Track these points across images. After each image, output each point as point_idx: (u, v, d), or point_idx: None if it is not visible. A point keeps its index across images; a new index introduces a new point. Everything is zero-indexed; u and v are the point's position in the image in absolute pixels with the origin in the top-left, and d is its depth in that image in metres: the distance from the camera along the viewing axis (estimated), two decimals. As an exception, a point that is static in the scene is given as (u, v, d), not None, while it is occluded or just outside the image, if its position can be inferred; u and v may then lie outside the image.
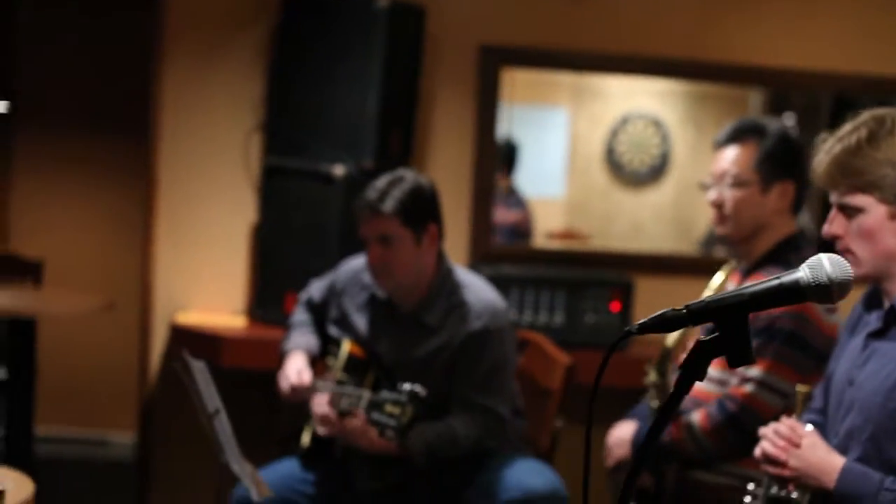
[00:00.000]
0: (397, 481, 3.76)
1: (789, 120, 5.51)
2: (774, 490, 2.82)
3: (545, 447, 3.98)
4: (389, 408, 3.47)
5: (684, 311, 1.84)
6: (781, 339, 3.35)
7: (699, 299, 1.88)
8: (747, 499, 2.89)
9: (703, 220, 6.59)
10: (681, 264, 5.61)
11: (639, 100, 7.06)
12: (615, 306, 4.98)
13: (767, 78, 5.61)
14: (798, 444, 2.69)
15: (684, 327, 1.88)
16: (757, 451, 2.78)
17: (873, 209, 2.69)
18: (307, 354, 3.86)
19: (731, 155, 3.56)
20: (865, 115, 2.74)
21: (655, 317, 1.85)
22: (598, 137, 7.10)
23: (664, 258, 5.77)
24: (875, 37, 5.52)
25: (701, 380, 1.86)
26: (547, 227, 6.87)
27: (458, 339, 3.69)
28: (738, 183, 3.53)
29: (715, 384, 3.50)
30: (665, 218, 7.17)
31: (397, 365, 3.75)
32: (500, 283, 4.25)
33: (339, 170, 4.75)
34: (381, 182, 3.68)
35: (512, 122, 6.38)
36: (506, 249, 5.66)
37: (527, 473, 3.69)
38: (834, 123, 2.84)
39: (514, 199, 6.62)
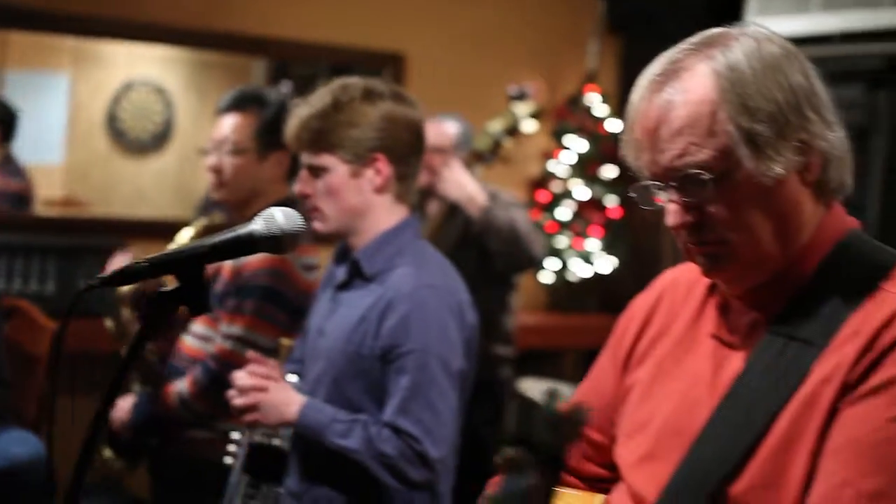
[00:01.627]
0: None
1: (286, 88, 5.63)
2: (258, 437, 2.89)
3: (33, 415, 3.92)
4: None
5: (146, 263, 1.84)
6: (259, 295, 3.43)
7: (162, 252, 1.88)
8: (231, 447, 2.96)
9: (205, 186, 6.61)
10: (178, 230, 5.58)
11: (142, 66, 6.96)
12: (110, 273, 4.89)
13: (270, 48, 5.70)
14: (276, 379, 2.80)
15: (146, 279, 1.88)
16: (231, 392, 2.85)
17: (337, 168, 2.86)
18: None
19: (231, 122, 3.64)
20: (334, 82, 2.88)
21: (118, 270, 1.85)
22: (99, 104, 6.94)
23: (161, 224, 5.74)
24: (368, 13, 5.75)
25: (162, 329, 1.87)
26: (45, 194, 6.66)
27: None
28: (236, 150, 3.61)
29: (200, 340, 3.53)
30: (168, 185, 7.12)
31: None
32: (-13, 251, 4.10)
33: None
34: None
35: (7, 86, 6.15)
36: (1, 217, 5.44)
37: (9, 443, 3.63)
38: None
39: (13, 167, 6.35)
